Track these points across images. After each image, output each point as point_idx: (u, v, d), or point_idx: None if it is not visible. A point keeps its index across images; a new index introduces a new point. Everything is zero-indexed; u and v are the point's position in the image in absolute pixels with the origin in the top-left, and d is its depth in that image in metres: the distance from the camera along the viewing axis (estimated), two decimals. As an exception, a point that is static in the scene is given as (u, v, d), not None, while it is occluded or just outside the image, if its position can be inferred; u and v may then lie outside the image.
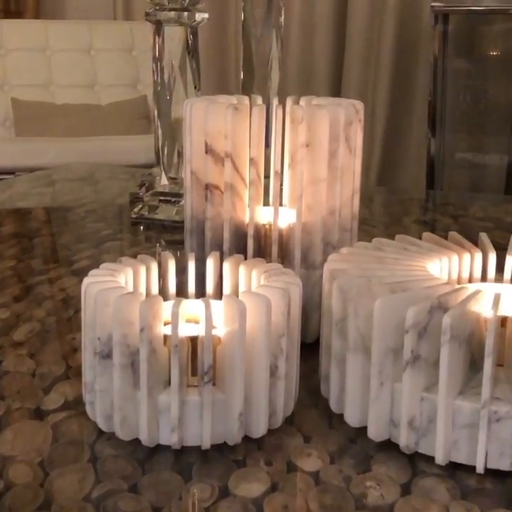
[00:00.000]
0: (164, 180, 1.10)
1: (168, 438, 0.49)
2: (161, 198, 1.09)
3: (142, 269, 0.55)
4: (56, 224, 1.10)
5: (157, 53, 1.07)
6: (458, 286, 0.51)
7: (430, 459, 0.49)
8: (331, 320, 0.52)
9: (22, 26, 2.40)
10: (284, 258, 0.65)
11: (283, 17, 1.11)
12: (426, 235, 0.63)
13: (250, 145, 0.61)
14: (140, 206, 1.10)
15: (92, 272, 0.52)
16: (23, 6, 2.63)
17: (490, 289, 0.53)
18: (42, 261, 0.91)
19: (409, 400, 0.47)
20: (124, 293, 0.47)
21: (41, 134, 2.12)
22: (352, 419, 0.51)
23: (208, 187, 0.63)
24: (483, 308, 0.49)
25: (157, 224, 1.07)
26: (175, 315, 0.46)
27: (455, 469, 0.48)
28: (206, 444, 0.48)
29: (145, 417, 0.48)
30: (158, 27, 1.05)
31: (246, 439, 0.51)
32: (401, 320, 0.47)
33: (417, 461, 0.49)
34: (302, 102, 0.67)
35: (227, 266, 0.56)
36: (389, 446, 0.50)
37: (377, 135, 2.37)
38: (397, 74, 2.36)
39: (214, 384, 0.50)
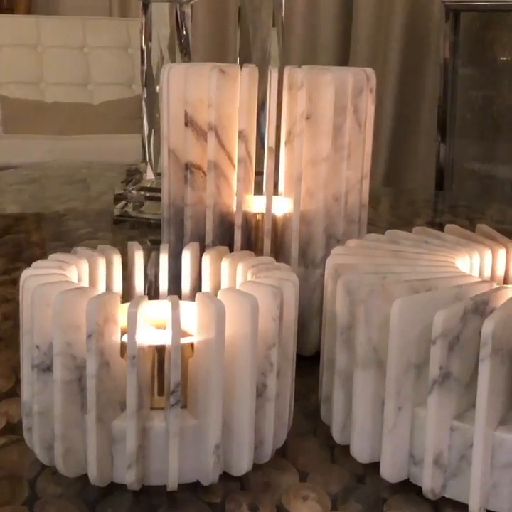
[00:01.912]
0: (150, 175, 1.00)
1: (125, 476, 0.38)
2: (147, 194, 0.99)
3: (101, 262, 0.44)
4: (31, 221, 1.00)
5: (143, 35, 0.97)
6: (496, 285, 0.40)
7: (460, 506, 0.38)
8: (334, 327, 0.42)
9: (13, 21, 2.30)
10: (279, 254, 0.54)
11: (283, 12, 1.00)
12: (450, 226, 0.52)
13: (239, 115, 0.51)
14: (124, 203, 1.00)
15: (36, 263, 0.42)
16: (16, 1, 2.53)
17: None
18: (8, 260, 0.80)
19: (435, 431, 0.37)
20: (67, 289, 0.37)
21: (30, 132, 2.03)
22: (360, 453, 0.40)
23: (187, 167, 0.53)
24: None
25: (142, 222, 0.96)
26: (132, 316, 0.35)
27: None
28: (173, 485, 0.38)
29: (94, 448, 0.37)
30: (145, 4, 0.95)
31: (226, 476, 0.40)
32: (426, 327, 0.37)
33: (442, 508, 0.39)
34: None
35: (207, 259, 0.46)
36: (407, 487, 0.40)
37: (383, 136, 2.27)
38: (404, 73, 2.26)
39: (185, 407, 0.39)
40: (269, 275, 0.41)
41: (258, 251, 0.53)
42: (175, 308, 0.36)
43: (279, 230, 0.54)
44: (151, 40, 0.96)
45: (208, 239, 0.53)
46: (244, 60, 0.95)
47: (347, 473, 0.42)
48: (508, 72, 2.18)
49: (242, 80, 0.50)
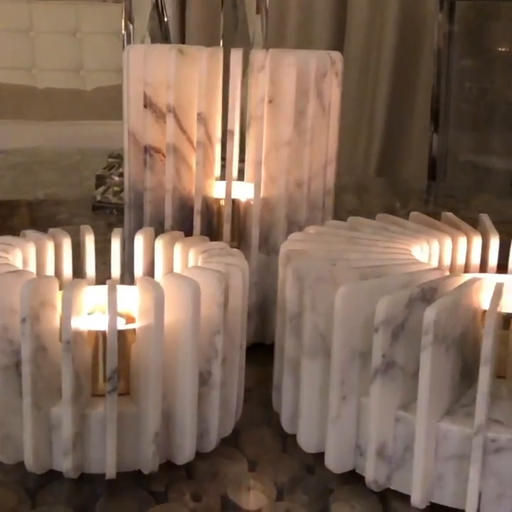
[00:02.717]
0: (132, 161, 0.99)
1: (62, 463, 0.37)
2: (127, 180, 0.97)
3: (49, 246, 0.43)
4: (8, 207, 0.98)
5: (124, 19, 0.96)
6: (449, 273, 0.39)
7: (406, 498, 0.37)
8: (285, 315, 0.41)
9: (4, 6, 2.28)
10: (242, 240, 0.53)
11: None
12: (414, 214, 0.52)
13: (198, 97, 0.49)
14: (104, 189, 0.99)
15: (-20, 246, 0.41)
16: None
17: (491, 279, 0.41)
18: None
19: (378, 420, 0.36)
20: (3, 272, 0.36)
21: (21, 118, 2.02)
22: (307, 442, 0.39)
23: (146, 150, 0.52)
24: (480, 302, 0.38)
25: (122, 208, 0.95)
26: (67, 301, 0.34)
27: (439, 512, 0.37)
28: (111, 473, 0.37)
29: (29, 434, 0.36)
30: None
31: (172, 465, 0.39)
32: (371, 315, 0.36)
33: (391, 500, 0.38)
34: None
35: (160, 244, 0.45)
36: (355, 478, 0.39)
37: (377, 125, 2.26)
38: (399, 63, 2.24)
39: (127, 394, 0.38)
40: (218, 261, 0.40)
41: (220, 237, 0.53)
42: (111, 292, 0.35)
43: (241, 216, 0.53)
44: (131, 24, 0.95)
45: (167, 224, 0.52)
46: (227, 38, 0.94)
47: (296, 464, 0.41)
48: (504, 62, 2.17)
49: (202, 61, 0.49)
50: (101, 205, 0.97)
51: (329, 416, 0.37)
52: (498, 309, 0.38)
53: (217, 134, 0.52)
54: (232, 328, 0.39)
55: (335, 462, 0.38)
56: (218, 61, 0.50)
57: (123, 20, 0.95)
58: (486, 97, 2.14)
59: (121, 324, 0.37)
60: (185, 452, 0.38)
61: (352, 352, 0.37)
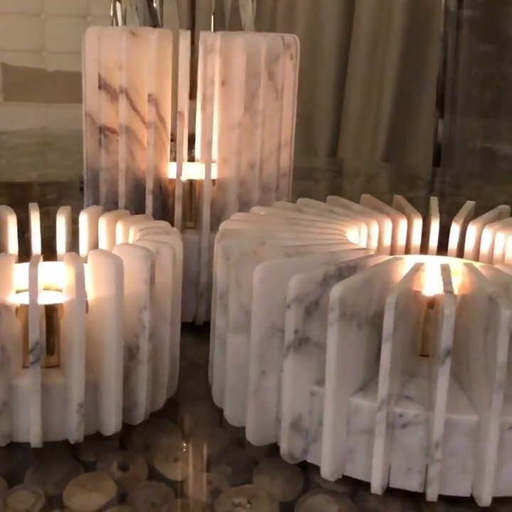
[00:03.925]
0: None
1: (-10, 431, 0.38)
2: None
3: (-7, 222, 0.44)
4: (-2, 187, 1.00)
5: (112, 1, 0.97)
6: (373, 253, 0.40)
7: (326, 472, 0.38)
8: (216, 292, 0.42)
9: (16, -11, 2.30)
10: (197, 220, 0.54)
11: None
12: (365, 197, 0.52)
13: (148, 78, 0.50)
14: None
15: None
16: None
17: (416, 259, 0.42)
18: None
19: (292, 395, 0.37)
20: None
21: (31, 100, 2.04)
22: (232, 416, 0.40)
23: (102, 130, 0.53)
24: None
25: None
26: (-12, 274, 0.36)
27: (359, 486, 0.38)
28: (36, 441, 0.38)
29: (-41, 404, 0.38)
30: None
31: (106, 437, 0.40)
32: (289, 292, 0.37)
33: (312, 473, 0.39)
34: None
35: (103, 222, 0.46)
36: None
37: (384, 110, 2.25)
38: (407, 48, 2.23)
39: (58, 366, 0.40)
40: (151, 239, 0.41)
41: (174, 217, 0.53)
42: (32, 268, 0.36)
43: (196, 197, 0.54)
44: (120, 3, 0.96)
45: (122, 204, 0.53)
46: (218, 29, 0.94)
47: (228, 437, 0.42)
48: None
49: (152, 42, 0.50)
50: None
51: (249, 390, 0.38)
52: (419, 289, 0.39)
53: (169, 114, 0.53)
54: (162, 304, 0.40)
55: (255, 435, 0.39)
56: (168, 43, 0.51)
57: (112, 3, 0.96)
58: (494, 83, 2.12)
59: (45, 299, 0.38)
60: (111, 424, 0.39)
61: (271, 328, 0.37)
